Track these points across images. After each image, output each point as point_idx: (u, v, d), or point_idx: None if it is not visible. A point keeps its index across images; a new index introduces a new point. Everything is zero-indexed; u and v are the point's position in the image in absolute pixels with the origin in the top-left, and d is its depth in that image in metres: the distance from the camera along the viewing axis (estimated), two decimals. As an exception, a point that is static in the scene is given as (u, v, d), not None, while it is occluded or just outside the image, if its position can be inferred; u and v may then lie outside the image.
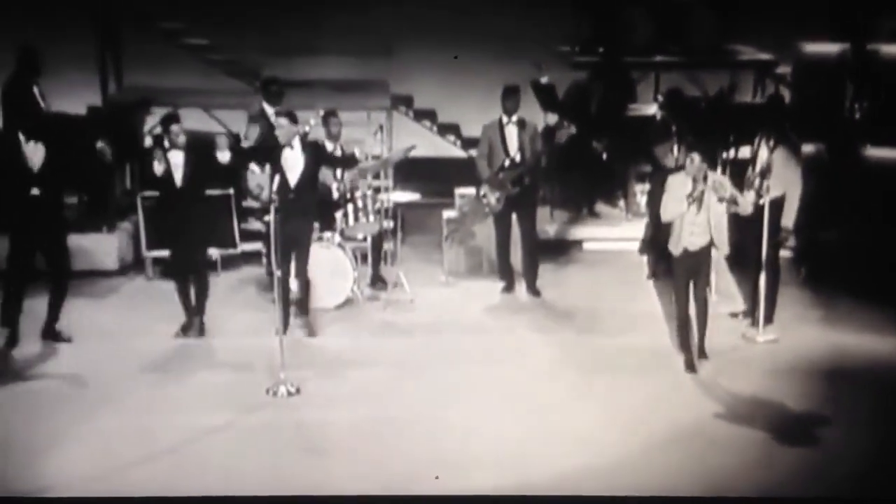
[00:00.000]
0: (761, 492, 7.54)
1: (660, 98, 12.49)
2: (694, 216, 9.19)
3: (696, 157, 9.16)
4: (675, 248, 9.36)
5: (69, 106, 12.46)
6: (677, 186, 9.27)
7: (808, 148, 11.20)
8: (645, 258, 11.57)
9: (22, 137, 9.54)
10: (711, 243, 9.25)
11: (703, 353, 9.47)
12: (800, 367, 9.44)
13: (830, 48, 13.05)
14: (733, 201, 9.20)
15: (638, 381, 9.09)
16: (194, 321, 10.02)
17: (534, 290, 11.12)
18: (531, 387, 9.03)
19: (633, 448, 8.04)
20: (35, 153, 9.54)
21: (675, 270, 9.46)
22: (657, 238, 11.52)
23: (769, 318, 9.97)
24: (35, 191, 9.53)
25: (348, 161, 10.36)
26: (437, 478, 7.60)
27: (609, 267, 10.57)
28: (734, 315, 10.38)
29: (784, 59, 13.93)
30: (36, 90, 11.80)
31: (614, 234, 12.49)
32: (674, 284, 9.52)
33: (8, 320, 9.77)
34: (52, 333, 9.86)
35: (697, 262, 9.31)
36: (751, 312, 10.14)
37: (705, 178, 9.16)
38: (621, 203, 13.08)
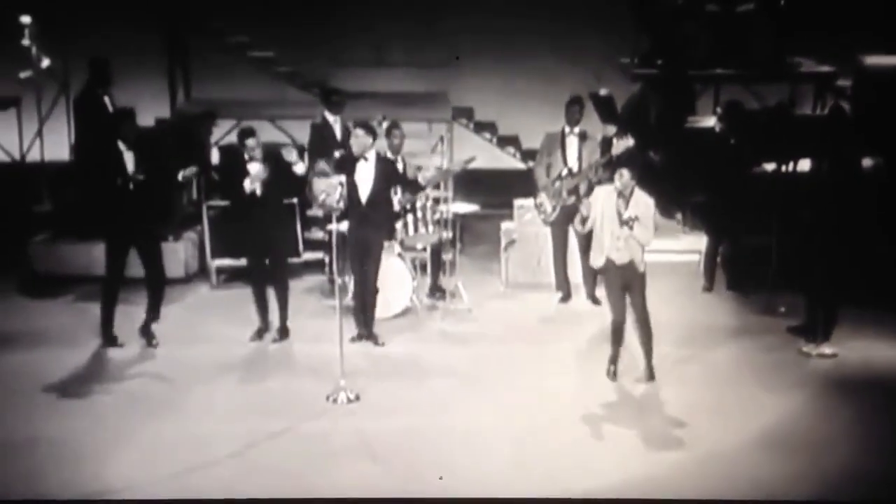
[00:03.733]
0: (809, 497, 7.63)
1: (719, 111, 12.50)
2: (617, 230, 8.90)
3: (626, 173, 8.80)
4: (597, 259, 9.11)
5: (139, 117, 12.73)
6: (603, 199, 8.98)
7: (867, 161, 11.16)
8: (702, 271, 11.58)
9: (122, 146, 9.83)
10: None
11: (650, 376, 9.22)
12: (857, 382, 9.41)
13: (890, 60, 12.98)
14: (627, 224, 8.78)
15: (692, 392, 9.14)
16: (274, 325, 10.23)
17: (594, 299, 11.16)
18: (589, 397, 9.08)
19: (687, 456, 8.13)
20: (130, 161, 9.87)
21: (606, 280, 9.20)
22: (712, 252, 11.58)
23: (827, 334, 9.95)
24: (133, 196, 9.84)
25: (415, 185, 10.40)
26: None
27: (666, 279, 10.56)
28: (793, 329, 10.33)
29: (844, 72, 13.87)
30: (107, 100, 12.14)
31: (671, 246, 12.46)
32: (607, 294, 9.28)
33: (107, 323, 10.11)
34: (147, 333, 10.14)
35: (629, 275, 9.02)
36: (809, 327, 10.08)
37: (631, 195, 8.86)
38: (678, 216, 13.09)
